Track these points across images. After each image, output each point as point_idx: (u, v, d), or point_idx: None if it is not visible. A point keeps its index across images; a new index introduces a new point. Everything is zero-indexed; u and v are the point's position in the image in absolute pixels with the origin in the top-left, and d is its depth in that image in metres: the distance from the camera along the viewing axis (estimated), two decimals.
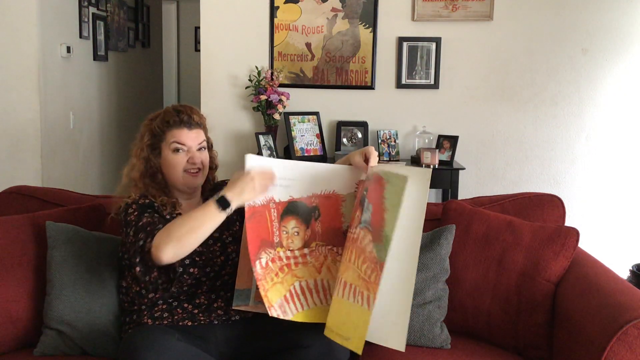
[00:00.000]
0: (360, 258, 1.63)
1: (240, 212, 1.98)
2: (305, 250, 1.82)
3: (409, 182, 1.57)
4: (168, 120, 1.85)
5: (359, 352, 1.58)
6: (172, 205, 1.85)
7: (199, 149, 1.88)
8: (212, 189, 1.97)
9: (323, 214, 1.83)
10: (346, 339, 1.61)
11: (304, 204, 1.83)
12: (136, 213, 1.75)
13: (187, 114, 1.87)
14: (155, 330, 1.61)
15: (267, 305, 1.72)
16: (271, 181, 1.72)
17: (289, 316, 1.74)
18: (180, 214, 1.85)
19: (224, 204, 1.63)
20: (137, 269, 1.66)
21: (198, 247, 1.69)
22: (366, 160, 1.78)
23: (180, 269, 1.76)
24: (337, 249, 1.82)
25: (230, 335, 1.80)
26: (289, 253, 1.81)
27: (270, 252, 1.79)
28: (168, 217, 1.80)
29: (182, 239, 1.58)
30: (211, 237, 1.86)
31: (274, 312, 1.71)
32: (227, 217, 1.69)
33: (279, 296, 1.75)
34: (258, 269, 1.73)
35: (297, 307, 1.76)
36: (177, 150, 1.85)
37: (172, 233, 1.59)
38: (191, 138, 1.86)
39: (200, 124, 1.91)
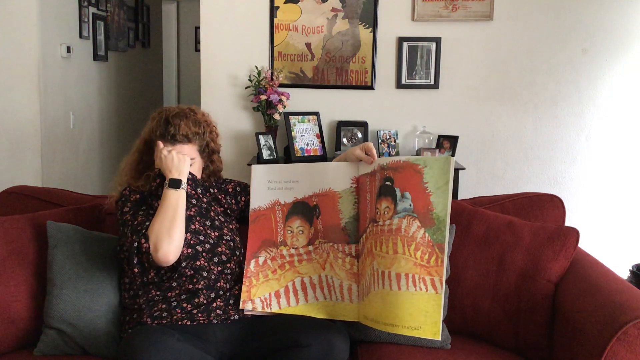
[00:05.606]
0: (412, 246, 1.66)
1: (240, 216, 2.01)
2: (310, 248, 1.90)
3: (452, 161, 1.66)
4: (159, 133, 1.86)
5: (437, 337, 1.61)
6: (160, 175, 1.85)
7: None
8: (215, 186, 1.99)
9: (322, 212, 1.88)
10: (416, 328, 1.63)
11: (306, 204, 1.91)
12: (132, 212, 1.81)
13: (176, 128, 1.83)
14: (155, 330, 1.61)
15: (243, 298, 1.84)
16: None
17: (271, 309, 1.83)
18: None
19: (176, 184, 1.77)
20: (136, 270, 1.76)
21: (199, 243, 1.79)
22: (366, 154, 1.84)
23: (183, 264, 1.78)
24: (338, 245, 1.87)
25: (230, 335, 1.80)
26: (292, 251, 1.90)
27: (272, 251, 1.90)
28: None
29: (170, 232, 1.70)
30: (210, 237, 1.87)
31: (249, 306, 1.83)
32: (224, 214, 1.92)
33: (267, 291, 1.86)
34: (252, 266, 1.88)
35: (289, 301, 1.85)
36: None
37: (159, 233, 1.70)
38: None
39: (191, 138, 1.87)
